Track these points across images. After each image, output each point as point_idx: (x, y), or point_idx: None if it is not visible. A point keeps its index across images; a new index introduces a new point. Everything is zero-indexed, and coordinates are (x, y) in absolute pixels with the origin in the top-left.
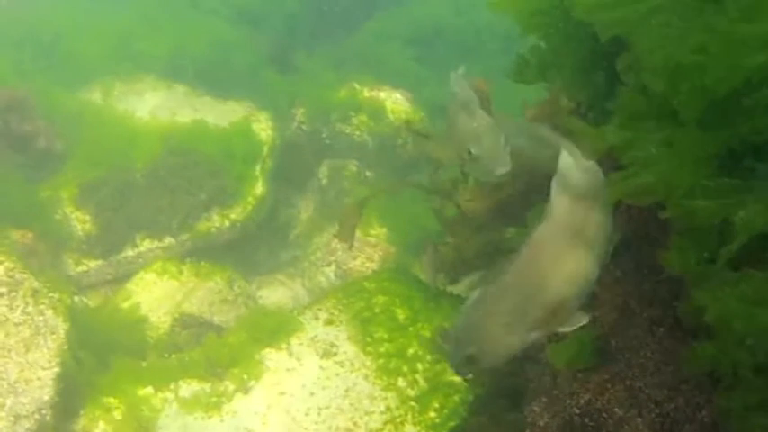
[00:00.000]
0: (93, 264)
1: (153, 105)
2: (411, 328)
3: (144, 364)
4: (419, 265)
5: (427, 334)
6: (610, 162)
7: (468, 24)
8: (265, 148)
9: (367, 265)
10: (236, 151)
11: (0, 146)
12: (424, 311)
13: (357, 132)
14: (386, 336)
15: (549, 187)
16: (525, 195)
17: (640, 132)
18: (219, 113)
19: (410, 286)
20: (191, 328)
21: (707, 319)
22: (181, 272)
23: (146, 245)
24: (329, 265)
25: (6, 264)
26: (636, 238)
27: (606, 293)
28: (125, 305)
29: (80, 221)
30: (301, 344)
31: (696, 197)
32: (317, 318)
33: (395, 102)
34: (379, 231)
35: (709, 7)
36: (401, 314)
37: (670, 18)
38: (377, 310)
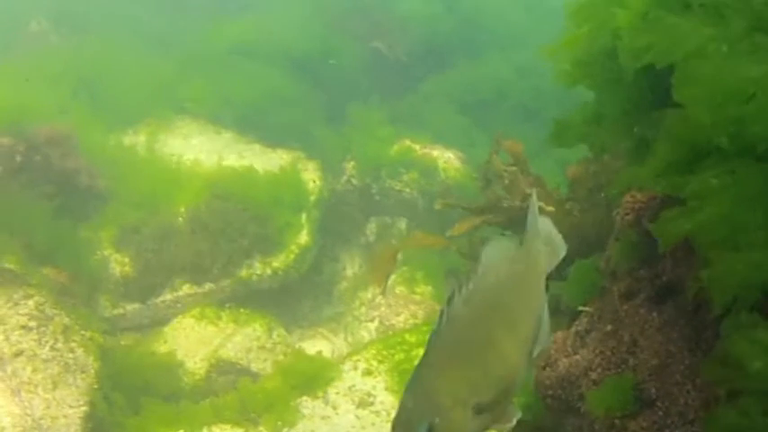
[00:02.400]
0: (129, 307)
1: (199, 150)
2: None
3: (176, 407)
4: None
5: None
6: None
7: (531, 88)
8: (312, 198)
9: (411, 322)
10: (283, 198)
11: (39, 181)
12: None
13: (407, 189)
14: None
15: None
16: (578, 253)
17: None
18: (267, 161)
19: None
20: (227, 374)
21: (741, 372)
22: (219, 317)
23: (185, 289)
24: (372, 320)
25: (36, 298)
26: (681, 283)
27: (647, 339)
28: (161, 349)
29: (119, 263)
30: (338, 393)
31: (745, 249)
32: (355, 368)
33: (447, 161)
34: (424, 289)
35: (764, 41)
36: None
37: (720, 50)
38: (416, 363)
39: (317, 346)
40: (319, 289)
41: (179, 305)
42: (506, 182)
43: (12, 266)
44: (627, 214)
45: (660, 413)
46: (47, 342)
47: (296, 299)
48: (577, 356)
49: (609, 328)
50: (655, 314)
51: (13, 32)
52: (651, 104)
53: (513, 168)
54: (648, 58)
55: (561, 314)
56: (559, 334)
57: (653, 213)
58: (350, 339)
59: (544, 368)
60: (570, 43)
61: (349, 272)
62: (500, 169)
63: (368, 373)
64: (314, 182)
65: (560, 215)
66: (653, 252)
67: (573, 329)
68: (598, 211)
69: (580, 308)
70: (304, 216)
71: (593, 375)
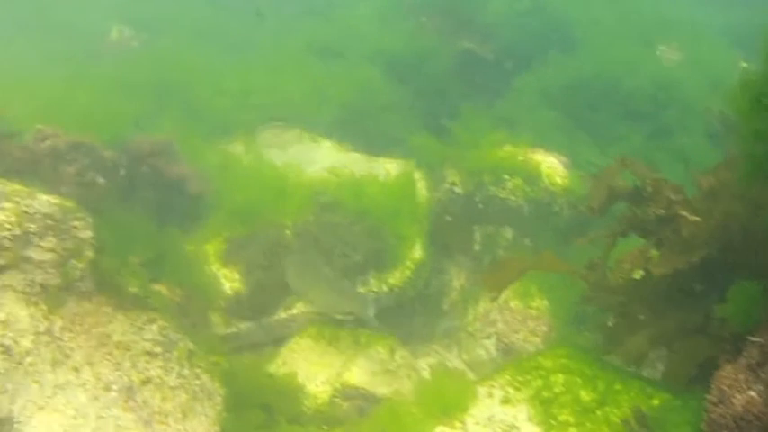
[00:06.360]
0: (243, 325)
1: (299, 159)
2: (598, 412)
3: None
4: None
5: (616, 419)
6: None
7: (626, 86)
8: (423, 209)
9: (530, 339)
10: (395, 211)
11: (146, 192)
12: (611, 393)
13: (512, 197)
14: (572, 419)
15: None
16: (720, 259)
17: None
18: (370, 170)
19: (592, 365)
20: (352, 399)
21: None
22: (338, 338)
23: (299, 307)
24: (489, 337)
25: (160, 322)
26: None
27: None
28: (279, 371)
29: (228, 279)
30: (477, 423)
31: None
32: (490, 395)
33: (550, 166)
34: (540, 303)
35: None
36: (586, 396)
37: None
38: (557, 390)
39: (433, 364)
40: (429, 303)
41: (293, 324)
42: (649, 189)
43: (135, 290)
44: None
45: None
46: (173, 368)
47: (407, 314)
48: (752, 392)
49: None
50: None
51: (95, 41)
52: None
53: (658, 176)
54: None
55: (723, 341)
56: (729, 367)
57: None
58: (465, 357)
59: (716, 405)
60: None
61: (456, 283)
62: (644, 176)
63: (506, 401)
64: (422, 192)
65: (706, 225)
66: None
67: (743, 362)
68: (742, 219)
69: (750, 338)
70: (416, 229)
71: None
